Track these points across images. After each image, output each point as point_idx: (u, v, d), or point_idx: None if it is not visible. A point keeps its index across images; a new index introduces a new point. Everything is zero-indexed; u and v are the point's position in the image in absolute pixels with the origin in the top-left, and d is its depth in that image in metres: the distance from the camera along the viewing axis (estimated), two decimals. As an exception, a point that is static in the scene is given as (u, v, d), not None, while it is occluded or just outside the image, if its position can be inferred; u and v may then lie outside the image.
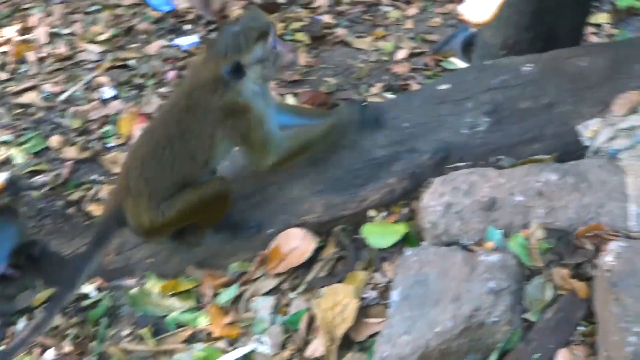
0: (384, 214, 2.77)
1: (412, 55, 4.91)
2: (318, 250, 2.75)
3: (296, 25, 5.17)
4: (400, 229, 2.68)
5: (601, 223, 2.43)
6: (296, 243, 2.74)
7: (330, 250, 2.74)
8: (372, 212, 2.76)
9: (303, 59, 4.84)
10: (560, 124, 2.83)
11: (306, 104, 4.37)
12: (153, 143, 2.68)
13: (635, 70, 2.91)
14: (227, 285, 2.81)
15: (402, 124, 2.90)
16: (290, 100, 4.43)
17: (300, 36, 5.08)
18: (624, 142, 2.63)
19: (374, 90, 4.54)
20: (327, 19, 5.30)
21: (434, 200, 2.60)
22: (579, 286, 2.30)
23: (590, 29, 5.00)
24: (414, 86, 4.55)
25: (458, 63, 4.71)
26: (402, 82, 4.62)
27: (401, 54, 4.89)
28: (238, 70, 2.58)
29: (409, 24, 5.27)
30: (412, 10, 5.37)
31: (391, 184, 2.73)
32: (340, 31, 5.16)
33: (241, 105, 2.62)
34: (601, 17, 5.12)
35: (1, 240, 2.96)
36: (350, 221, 2.77)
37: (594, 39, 4.94)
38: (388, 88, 4.55)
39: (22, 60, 5.14)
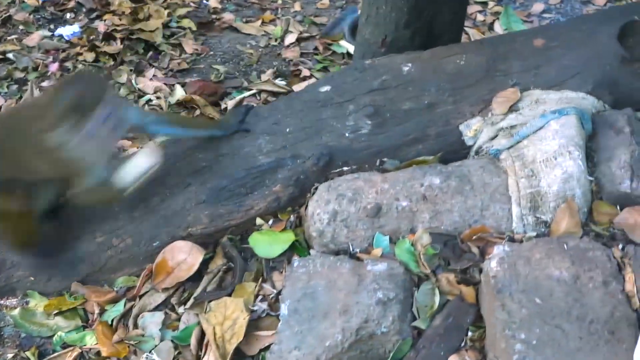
0: (271, 222, 2.73)
1: (301, 39, 4.88)
2: (206, 263, 2.71)
3: (182, 11, 5.06)
4: (288, 238, 2.66)
5: (485, 226, 2.46)
6: (183, 256, 2.68)
7: (218, 262, 2.70)
8: (259, 221, 2.73)
9: (190, 46, 4.74)
10: (442, 124, 2.84)
11: (195, 94, 4.28)
12: None
13: (513, 67, 2.94)
14: (113, 301, 2.74)
15: (285, 129, 2.86)
16: (179, 91, 4.33)
17: (186, 22, 4.97)
18: (504, 141, 2.66)
19: (264, 77, 4.48)
20: (213, 3, 5.20)
21: (319, 207, 2.58)
22: (467, 291, 2.33)
23: (476, 7, 5.06)
24: (305, 71, 4.52)
25: (347, 46, 4.70)
26: (293, 68, 4.58)
27: (290, 39, 4.86)
28: None
29: (297, 6, 5.23)
30: (300, -8, 5.33)
31: (277, 191, 2.70)
32: (227, 16, 5.08)
33: None
34: (486, -6, 5.18)
35: None
36: (237, 231, 2.74)
37: (480, 18, 5.00)
38: (279, 74, 4.51)
39: None
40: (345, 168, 2.73)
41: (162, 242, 2.72)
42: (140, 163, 2.57)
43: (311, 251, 2.61)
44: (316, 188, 2.67)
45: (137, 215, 2.74)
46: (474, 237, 2.45)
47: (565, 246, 2.27)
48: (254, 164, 2.74)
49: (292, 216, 2.72)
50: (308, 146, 2.77)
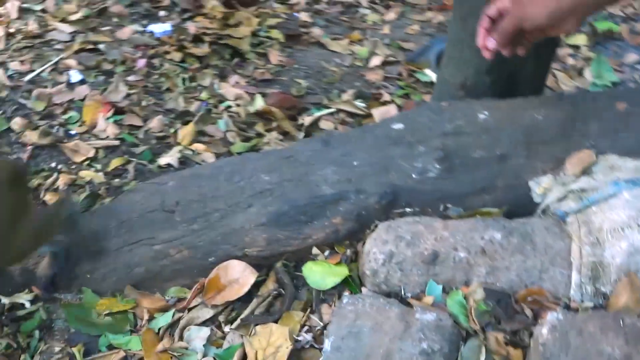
0: (327, 253, 2.73)
1: (386, 63, 4.87)
2: (257, 285, 2.71)
3: (272, 21, 5.10)
4: (342, 272, 2.65)
5: (542, 289, 2.41)
6: (235, 275, 2.70)
7: (270, 287, 2.70)
8: (315, 251, 2.72)
9: (275, 57, 4.78)
10: (512, 177, 2.79)
11: (274, 106, 4.31)
12: None
13: (591, 128, 2.87)
14: (163, 310, 2.77)
15: (353, 161, 2.85)
16: (259, 101, 4.37)
17: (275, 33, 5.01)
18: (573, 204, 2.60)
19: (345, 96, 4.49)
20: (304, 17, 5.22)
21: (376, 247, 2.56)
22: (514, 353, 2.29)
23: (567, 50, 4.98)
24: (386, 96, 4.50)
25: (432, 75, 4.67)
26: (374, 91, 4.58)
27: (375, 61, 4.85)
28: None
29: (386, 29, 5.21)
30: (391, 15, 5.31)
31: (336, 223, 2.69)
32: (316, 31, 5.10)
33: None
34: (579, 39, 5.08)
35: None
36: (292, 258, 2.73)
37: (570, 61, 4.90)
38: (359, 96, 4.51)
39: (-10, 36, 5.03)
40: (407, 209, 2.70)
41: (218, 258, 2.73)
42: None
43: (363, 289, 2.60)
44: (376, 226, 2.65)
45: (197, 229, 2.76)
46: (529, 299, 2.40)
47: (621, 322, 2.20)
48: (318, 193, 2.74)
49: (348, 250, 2.71)
50: (373, 182, 2.75)
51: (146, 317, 2.77)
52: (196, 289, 2.76)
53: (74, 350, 2.70)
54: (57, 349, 2.74)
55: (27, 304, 2.87)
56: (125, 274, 2.82)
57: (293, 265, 2.76)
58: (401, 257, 2.52)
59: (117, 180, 4.04)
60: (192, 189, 2.87)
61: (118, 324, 2.77)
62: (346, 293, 2.60)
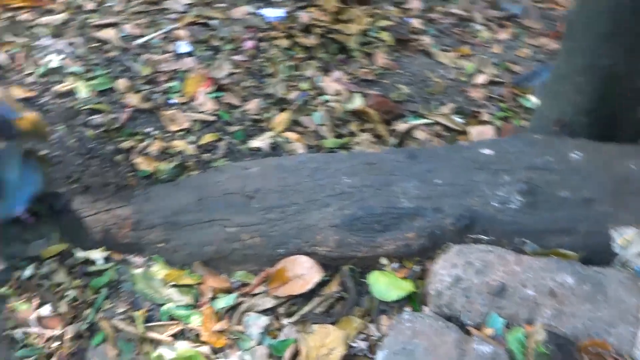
0: (396, 265, 2.73)
1: (491, 82, 4.81)
2: (321, 284, 2.73)
3: (383, 23, 5.09)
4: (407, 287, 2.65)
5: (607, 342, 2.36)
6: (302, 271, 2.72)
7: (333, 288, 2.72)
8: (384, 261, 2.73)
9: (381, 59, 4.77)
10: (595, 223, 2.73)
11: (372, 108, 4.31)
12: None
13: (685, 187, 2.79)
14: (227, 291, 2.82)
15: (435, 179, 2.84)
16: (358, 100, 4.38)
17: (384, 35, 4.99)
18: (652, 262, 2.53)
19: (444, 109, 4.46)
20: (416, 23, 5.20)
21: (444, 269, 2.55)
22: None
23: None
24: (485, 116, 4.45)
25: (535, 102, 4.59)
26: (474, 109, 4.52)
27: (480, 79, 4.79)
28: None
29: (496, 48, 5.14)
30: (503, 35, 5.24)
31: (409, 238, 2.69)
32: (426, 39, 5.07)
33: None
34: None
35: (24, 184, 2.99)
36: (359, 263, 2.74)
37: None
38: (459, 111, 4.47)
39: (109, -5, 5.17)
40: (482, 237, 2.68)
41: (287, 251, 2.76)
42: None
43: (424, 308, 2.59)
44: (448, 247, 2.64)
45: (272, 218, 2.80)
46: (591, 350, 2.35)
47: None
48: (395, 205, 2.74)
49: (417, 267, 2.71)
50: (452, 204, 2.74)
51: (209, 295, 2.82)
52: (262, 277, 2.79)
53: (137, 314, 2.77)
54: (120, 310, 2.81)
55: (100, 261, 2.96)
56: (196, 250, 2.88)
57: (359, 271, 2.77)
58: (468, 284, 2.50)
59: (206, 154, 4.11)
60: (274, 178, 2.90)
61: (182, 296, 2.83)
62: (407, 309, 2.60)
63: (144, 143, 4.09)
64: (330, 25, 4.85)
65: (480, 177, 2.84)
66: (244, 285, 2.83)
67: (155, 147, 4.06)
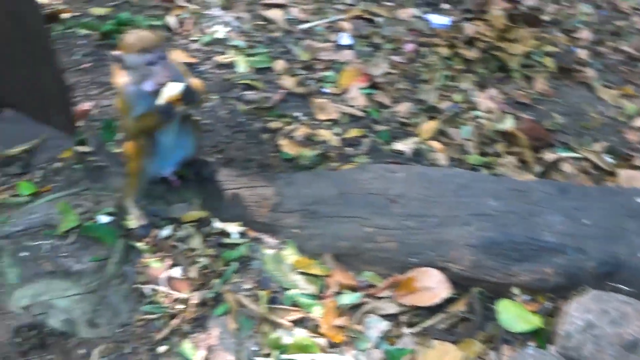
0: (527, 297, 2.68)
1: (652, 128, 4.64)
2: (448, 301, 2.71)
3: (548, 48, 4.98)
4: (536, 322, 2.60)
5: None
6: (431, 284, 2.71)
7: (459, 307, 2.70)
8: (515, 290, 2.68)
9: (540, 84, 4.68)
10: None
11: (522, 132, 4.24)
12: None
13: None
14: (352, 289, 2.83)
15: (582, 218, 2.77)
16: (509, 122, 4.31)
17: (547, 61, 4.90)
18: None
19: (595, 146, 4.34)
20: (582, 54, 5.07)
21: (578, 311, 2.49)
22: None
23: None
24: (637, 161, 4.30)
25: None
26: (627, 152, 4.38)
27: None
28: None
29: (664, 94, 4.96)
30: (673, 83, 5.04)
31: (546, 273, 2.64)
32: (589, 72, 4.94)
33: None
34: None
35: (177, 147, 3.07)
36: (490, 288, 2.71)
37: None
38: (610, 151, 4.33)
39: (284, -24, 5.26)
40: (622, 287, 2.60)
41: (420, 261, 2.77)
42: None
43: (549, 346, 2.53)
44: (584, 290, 2.57)
45: (411, 226, 2.80)
46: None
47: None
48: (538, 237, 2.69)
49: (549, 303, 2.65)
50: (597, 247, 2.67)
51: (335, 289, 2.84)
52: (389, 282, 2.80)
53: (262, 293, 2.82)
54: (246, 286, 2.87)
55: (236, 236, 3.03)
56: (330, 242, 2.91)
57: (488, 296, 2.73)
58: (600, 332, 2.44)
59: (349, 148, 4.14)
60: (418, 187, 2.90)
61: (308, 285, 2.86)
62: (532, 344, 2.56)
63: (291, 126, 4.16)
64: (495, 42, 4.79)
65: (631, 226, 2.76)
66: (371, 286, 2.84)
67: (301, 132, 4.12)
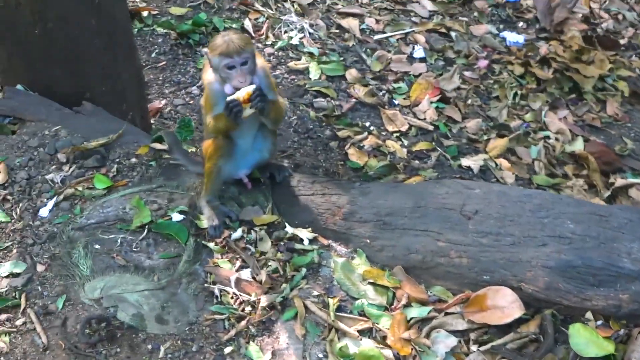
0: (600, 323, 2.64)
1: None
2: (518, 321, 2.68)
3: (623, 72, 4.93)
4: (608, 348, 2.55)
5: None
6: (503, 303, 2.69)
7: (530, 328, 2.67)
8: (589, 315, 2.64)
9: (612, 108, 4.63)
10: None
11: (592, 155, 4.20)
12: None
13: None
14: (422, 303, 2.82)
15: (665, 252, 2.71)
16: (579, 144, 4.28)
17: (621, 85, 4.84)
18: None
19: (662, 174, 4.28)
20: (659, 81, 5.01)
21: (653, 341, 2.44)
22: None
23: None
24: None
25: None
26: (697, 180, 4.31)
27: None
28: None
29: None
30: None
31: (622, 299, 2.60)
32: (664, 99, 4.87)
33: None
34: None
35: (252, 150, 3.10)
36: (563, 311, 2.68)
37: None
38: (679, 177, 4.28)
39: (360, -13, 5.28)
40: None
41: (492, 279, 2.74)
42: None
43: (621, 374, 2.49)
44: (661, 320, 2.53)
45: (485, 244, 2.78)
46: None
47: None
48: (616, 263, 2.65)
49: (622, 330, 2.61)
50: (678, 280, 2.62)
51: (404, 301, 2.83)
52: (460, 298, 2.78)
53: (330, 300, 2.83)
54: (315, 292, 2.88)
55: (306, 242, 3.04)
56: (401, 254, 2.91)
57: (560, 319, 2.70)
58: (673, 365, 2.39)
59: (416, 161, 4.14)
60: (495, 205, 2.88)
61: (377, 296, 2.86)
62: (600, 370, 2.51)
63: (360, 136, 4.18)
64: (569, 63, 4.75)
65: None
66: (440, 301, 2.83)
67: (369, 142, 4.14)
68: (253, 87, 2.81)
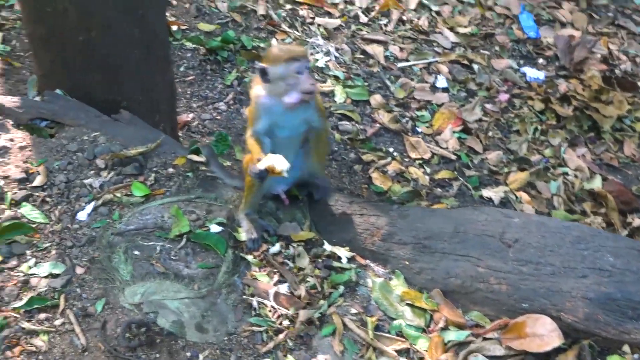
0: (637, 356, 2.69)
1: None
2: (557, 351, 2.72)
3: (642, 115, 5.03)
4: (644, 380, 2.61)
5: None
6: (542, 331, 2.73)
7: (568, 358, 2.71)
8: (626, 348, 2.70)
9: (630, 149, 4.72)
10: None
11: (610, 194, 4.27)
12: None
13: None
14: (459, 327, 2.86)
15: None
16: (597, 182, 4.36)
17: (638, 126, 4.94)
18: None
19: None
20: (676, 125, 5.11)
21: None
22: None
23: None
24: None
25: None
26: None
27: None
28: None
29: None
30: None
31: (661, 335, 2.65)
32: (682, 144, 4.97)
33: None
34: None
35: (292, 167, 3.12)
36: (601, 342, 2.72)
37: None
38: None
39: (385, 14, 5.36)
40: None
41: (531, 308, 2.79)
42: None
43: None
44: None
45: (525, 272, 2.83)
46: None
47: None
48: (657, 298, 2.71)
49: (659, 364, 2.66)
50: None
51: (441, 324, 2.87)
52: (498, 324, 2.82)
53: (368, 319, 2.86)
54: (353, 310, 2.91)
55: (344, 260, 3.08)
56: (440, 277, 2.95)
57: (598, 350, 2.74)
58: None
59: (439, 189, 4.20)
60: (535, 234, 2.93)
61: (414, 317, 2.89)
62: (638, 403, 2.56)
63: (384, 161, 4.23)
64: (588, 102, 4.84)
65: None
66: (477, 326, 2.87)
67: (392, 167, 4.19)
68: (288, 166, 2.89)
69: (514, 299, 2.82)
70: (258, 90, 2.98)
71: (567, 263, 2.82)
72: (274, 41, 4.82)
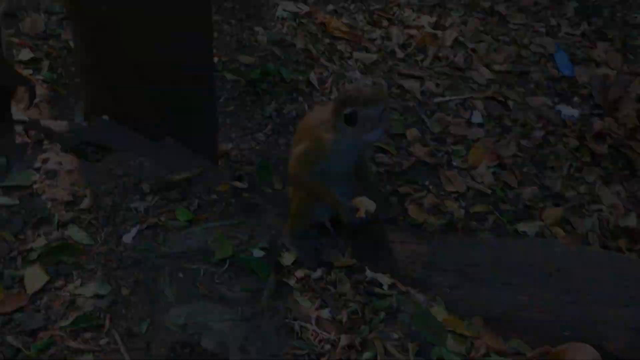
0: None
1: None
2: (595, 381, 2.74)
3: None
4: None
5: None
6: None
7: (605, 388, 2.72)
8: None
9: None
10: None
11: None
12: None
13: None
14: (500, 354, 2.87)
15: None
16: (632, 219, 4.37)
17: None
18: None
19: None
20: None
21: None
22: None
23: None
24: None
25: None
26: None
27: None
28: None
29: None
30: None
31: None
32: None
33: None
34: None
35: (340, 197, 3.18)
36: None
37: None
38: None
39: (421, 50, 5.42)
40: None
41: (572, 336, 2.81)
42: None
43: None
44: None
45: (567, 301, 2.86)
46: None
47: None
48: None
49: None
50: None
51: (482, 351, 2.88)
52: (539, 352, 2.83)
53: (410, 345, 2.88)
54: (395, 336, 2.93)
55: (385, 286, 3.11)
56: (482, 305, 2.98)
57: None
58: None
59: (474, 223, 4.22)
60: (576, 263, 2.96)
61: (455, 344, 2.91)
62: None
63: (419, 194, 4.27)
64: (623, 140, 4.86)
65: None
66: (518, 353, 2.89)
67: (428, 200, 4.23)
68: (374, 206, 3.00)
69: (556, 327, 2.84)
70: (329, 134, 3.04)
71: (609, 292, 2.85)
72: (311, 75, 4.89)
